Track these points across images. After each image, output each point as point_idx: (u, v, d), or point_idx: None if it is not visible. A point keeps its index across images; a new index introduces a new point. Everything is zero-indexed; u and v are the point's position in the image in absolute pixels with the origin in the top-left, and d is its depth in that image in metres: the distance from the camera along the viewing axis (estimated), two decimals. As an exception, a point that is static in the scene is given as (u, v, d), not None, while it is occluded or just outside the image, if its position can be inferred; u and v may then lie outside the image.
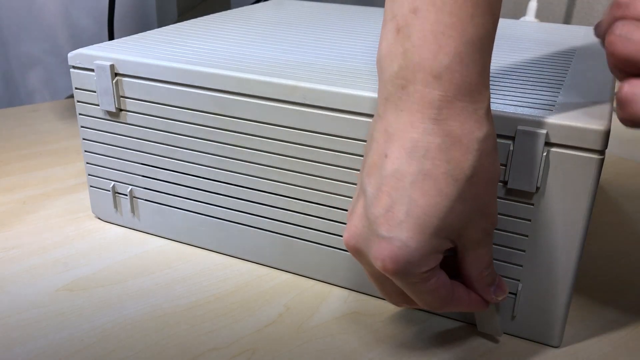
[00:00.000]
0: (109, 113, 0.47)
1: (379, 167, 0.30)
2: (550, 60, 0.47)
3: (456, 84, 0.28)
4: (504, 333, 0.40)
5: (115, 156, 0.48)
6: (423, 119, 0.28)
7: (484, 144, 0.29)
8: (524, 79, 0.42)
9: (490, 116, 0.29)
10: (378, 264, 0.30)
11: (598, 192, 0.60)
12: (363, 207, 0.31)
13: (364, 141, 0.38)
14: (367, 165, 0.30)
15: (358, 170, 0.40)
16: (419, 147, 0.28)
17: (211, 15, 0.61)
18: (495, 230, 0.37)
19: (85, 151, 0.49)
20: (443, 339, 0.39)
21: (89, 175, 0.50)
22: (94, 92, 0.46)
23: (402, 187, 0.29)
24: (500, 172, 0.32)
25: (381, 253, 0.30)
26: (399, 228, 0.29)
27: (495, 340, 0.39)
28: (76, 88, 0.47)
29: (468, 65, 0.28)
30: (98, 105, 0.47)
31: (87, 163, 0.50)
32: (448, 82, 0.28)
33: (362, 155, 0.39)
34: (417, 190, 0.28)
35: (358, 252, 0.32)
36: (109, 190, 0.50)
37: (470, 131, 0.28)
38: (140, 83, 0.44)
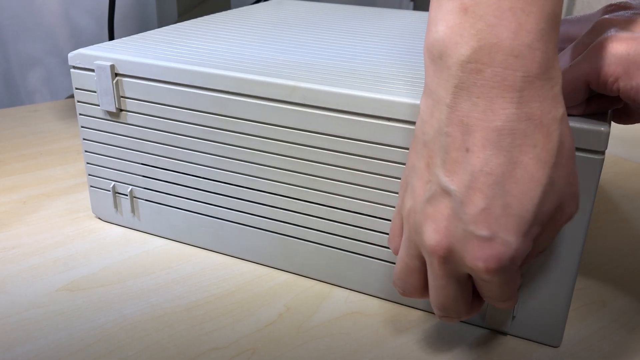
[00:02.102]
0: (109, 113, 0.47)
1: (461, 163, 0.28)
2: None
3: (538, 62, 0.26)
4: (505, 333, 0.40)
5: (115, 156, 0.48)
6: (505, 104, 0.27)
7: (562, 122, 0.28)
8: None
9: (561, 93, 0.28)
10: (479, 265, 0.29)
11: (598, 192, 0.59)
12: (450, 207, 0.29)
13: (364, 141, 0.39)
14: (445, 163, 0.28)
15: (358, 170, 0.40)
16: (504, 135, 0.27)
17: (211, 15, 0.61)
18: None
19: (86, 151, 0.49)
20: (443, 339, 0.39)
21: (89, 175, 0.50)
22: (94, 92, 0.46)
23: (494, 181, 0.27)
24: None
25: (483, 254, 0.28)
26: (498, 225, 0.28)
27: (503, 333, 0.39)
28: (76, 88, 0.47)
29: (547, 42, 0.26)
30: (98, 105, 0.47)
31: (87, 163, 0.50)
32: (530, 61, 0.26)
33: (361, 156, 0.39)
34: (509, 181, 0.27)
35: (450, 254, 0.30)
36: (109, 190, 0.50)
37: (549, 110, 0.27)
38: (140, 83, 0.44)
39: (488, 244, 0.28)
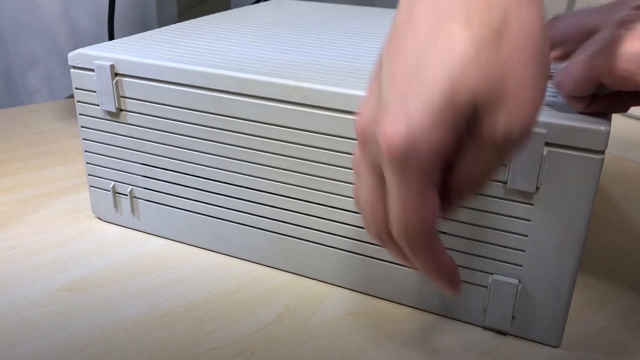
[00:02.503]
0: (109, 113, 0.47)
1: (401, 33, 0.25)
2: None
3: None
4: (505, 333, 0.40)
5: (115, 156, 0.48)
6: None
7: None
8: (524, 79, 0.42)
9: None
10: (381, 141, 0.25)
11: (598, 192, 0.59)
12: (378, 83, 0.26)
13: (364, 141, 0.38)
14: (390, 36, 0.26)
15: (358, 170, 0.40)
16: None
17: (211, 15, 0.61)
18: (495, 230, 0.37)
19: (85, 151, 0.49)
20: (443, 339, 0.39)
21: (89, 175, 0.50)
22: (94, 92, 0.46)
23: (419, 45, 0.24)
24: (549, 46, 0.26)
25: (386, 127, 0.25)
26: (408, 93, 0.24)
27: (503, 334, 0.39)
28: (76, 88, 0.47)
29: None
30: (98, 105, 0.47)
31: (87, 163, 0.50)
32: None
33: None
34: (431, 47, 0.24)
35: (365, 136, 0.27)
36: (109, 190, 0.50)
37: None
38: (140, 83, 0.44)
39: (392, 117, 0.25)
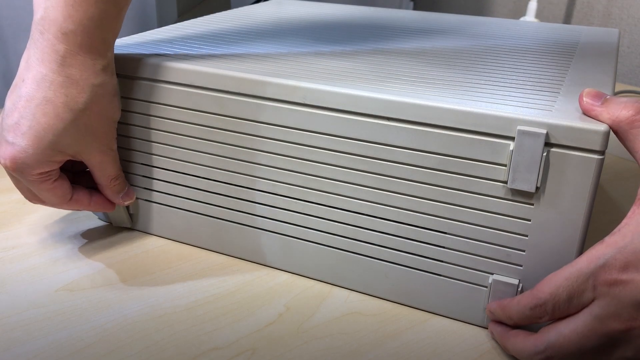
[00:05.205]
0: (109, 113, 0.47)
1: (18, 88, 0.39)
2: (550, 60, 0.47)
3: (78, 44, 0.38)
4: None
5: (115, 156, 0.48)
6: (50, 61, 0.38)
7: (98, 88, 0.40)
8: (524, 79, 0.42)
9: (109, 70, 0.40)
10: (2, 162, 0.40)
11: (598, 192, 0.59)
12: (1, 118, 0.40)
13: (364, 141, 0.39)
14: (12, 85, 0.40)
15: (358, 170, 0.40)
16: (46, 79, 0.38)
17: (211, 15, 0.61)
18: (495, 230, 0.37)
19: (85, 151, 0.49)
20: (443, 339, 0.39)
21: (89, 175, 0.50)
22: (94, 92, 0.46)
23: (29, 106, 0.39)
24: (119, 115, 0.43)
25: (5, 153, 0.40)
26: (22, 137, 0.39)
27: None
28: (76, 88, 0.47)
29: (89, 34, 0.38)
30: (98, 105, 0.47)
31: (87, 163, 0.50)
32: (72, 41, 0.38)
33: (361, 155, 0.39)
34: (40, 111, 0.39)
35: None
36: (109, 190, 0.50)
37: (87, 77, 0.39)
38: (141, 83, 0.44)
39: (10, 147, 0.39)
